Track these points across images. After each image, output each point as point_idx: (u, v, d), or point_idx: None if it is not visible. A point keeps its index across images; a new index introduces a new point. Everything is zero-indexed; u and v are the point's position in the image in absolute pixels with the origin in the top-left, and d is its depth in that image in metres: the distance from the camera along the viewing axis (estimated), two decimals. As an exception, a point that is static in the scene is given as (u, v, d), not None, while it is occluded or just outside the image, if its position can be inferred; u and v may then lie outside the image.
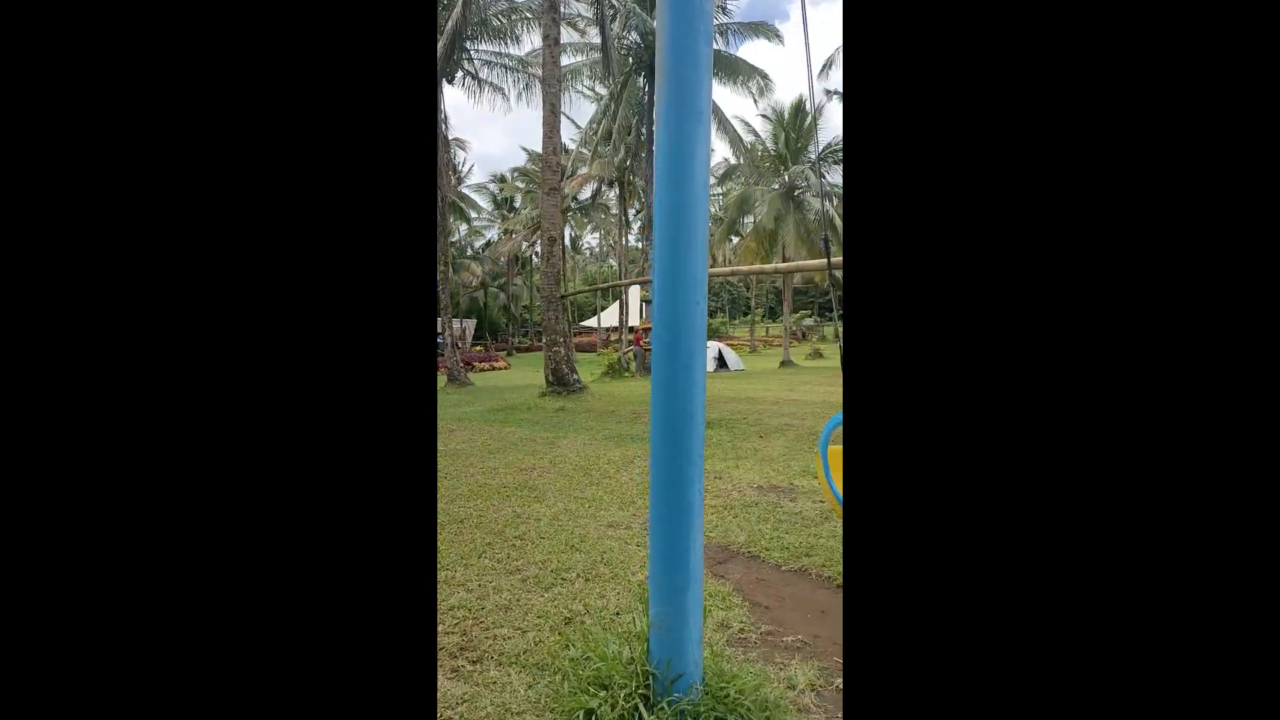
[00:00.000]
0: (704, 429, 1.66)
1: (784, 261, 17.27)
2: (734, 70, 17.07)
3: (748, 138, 20.53)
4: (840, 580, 2.80)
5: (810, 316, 35.80)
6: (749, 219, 20.31)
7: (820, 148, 18.74)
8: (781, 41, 17.73)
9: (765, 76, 17.24)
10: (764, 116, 19.45)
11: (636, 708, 1.56)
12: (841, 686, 1.96)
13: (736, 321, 41.14)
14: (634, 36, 15.52)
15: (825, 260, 2.45)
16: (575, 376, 9.57)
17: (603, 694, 1.60)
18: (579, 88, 17.74)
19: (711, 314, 40.86)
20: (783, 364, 18.04)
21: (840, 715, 1.82)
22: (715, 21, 16.60)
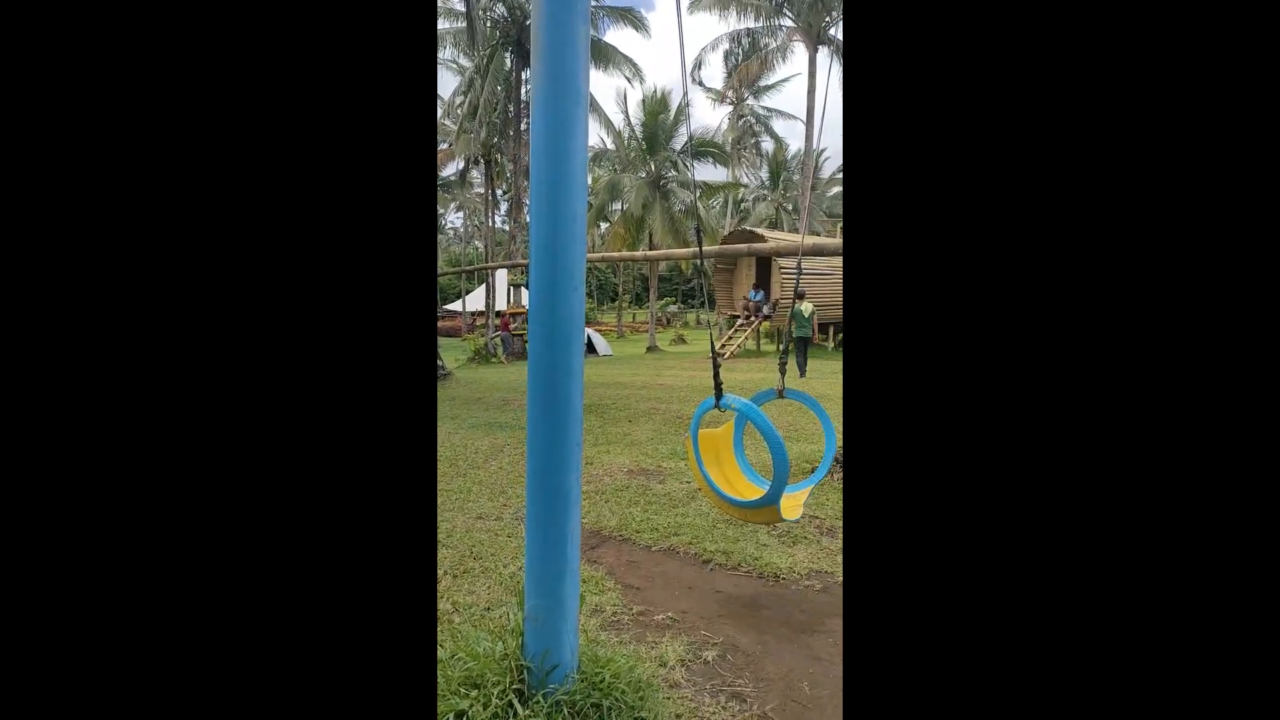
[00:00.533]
0: (582, 415, 1.65)
1: (651, 249, 17.68)
2: (605, 56, 17.03)
3: (618, 120, 20.66)
4: (705, 555, 2.94)
5: (675, 303, 37.05)
6: (617, 205, 20.51)
7: (687, 139, 19.31)
8: (648, 33, 17.92)
9: (635, 65, 17.40)
10: (619, 112, 19.63)
11: (510, 704, 1.53)
12: (709, 659, 2.06)
13: (605, 307, 41.50)
14: (501, 9, 14.91)
15: (695, 249, 2.53)
16: (439, 362, 9.12)
17: (474, 693, 1.54)
18: (440, 58, 16.73)
19: (580, 299, 40.81)
20: (649, 349, 18.51)
21: (707, 686, 1.92)
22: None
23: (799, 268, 2.86)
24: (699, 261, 2.56)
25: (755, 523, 2.70)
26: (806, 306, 9.91)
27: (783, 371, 2.72)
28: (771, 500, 2.25)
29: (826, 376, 10.01)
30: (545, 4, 1.42)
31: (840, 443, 2.89)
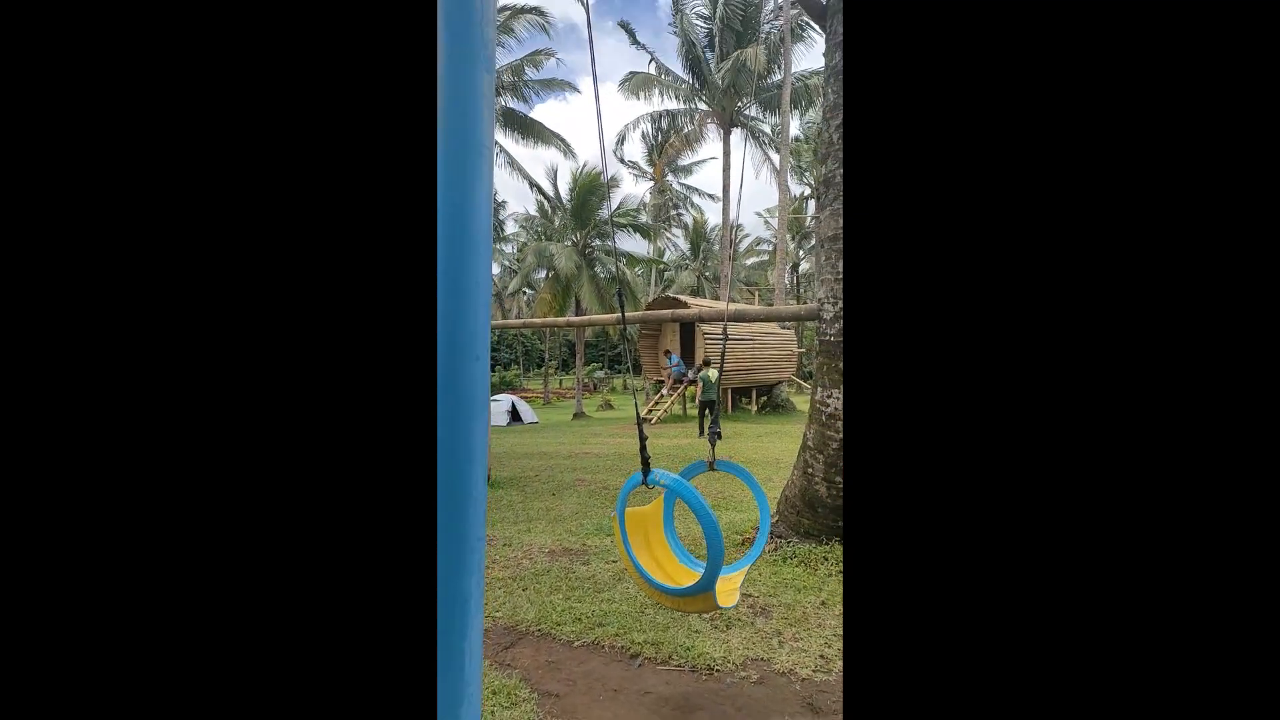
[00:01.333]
0: (485, 506, 1.43)
1: (578, 315, 17.66)
2: (534, 132, 17.47)
3: (549, 190, 20.99)
4: (632, 648, 2.68)
5: (601, 369, 37.02)
6: (542, 273, 20.56)
7: (611, 211, 19.83)
8: (578, 94, 18.72)
9: (564, 141, 17.94)
10: (539, 189, 20.08)
11: None
12: (637, 781, 1.80)
13: (531, 374, 40.90)
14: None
15: (619, 314, 2.42)
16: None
17: None
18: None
19: (505, 366, 40.09)
20: (576, 416, 18.18)
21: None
22: (512, 78, 16.92)
23: (724, 332, 2.80)
24: (623, 327, 2.44)
25: (690, 612, 2.49)
26: (712, 373, 10.48)
27: (713, 443, 2.59)
28: (706, 587, 2.06)
29: (750, 440, 10.06)
30: (446, 56, 1.31)
31: (773, 512, 2.76)
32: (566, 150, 18.03)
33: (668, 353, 15.94)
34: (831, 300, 3.84)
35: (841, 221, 3.78)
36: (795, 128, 21.51)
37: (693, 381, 14.29)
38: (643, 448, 2.22)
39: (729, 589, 2.34)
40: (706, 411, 10.94)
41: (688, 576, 2.47)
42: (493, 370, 36.07)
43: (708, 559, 2.00)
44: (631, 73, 19.09)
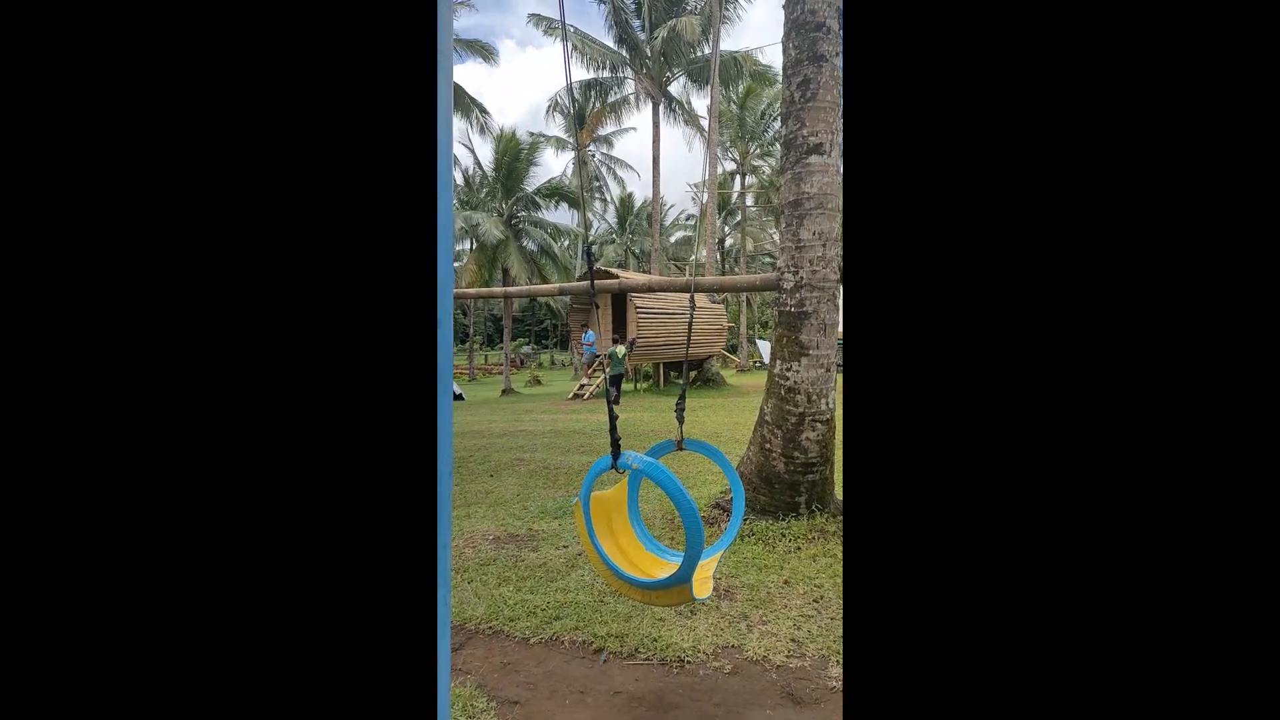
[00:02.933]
0: (450, 500, 1.15)
1: (508, 285, 16.98)
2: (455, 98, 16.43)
3: (467, 160, 19.93)
4: (595, 643, 2.48)
5: (528, 344, 36.23)
6: (467, 243, 19.62)
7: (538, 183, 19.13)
8: (497, 63, 17.75)
9: (484, 110, 17.01)
10: (466, 149, 19.00)
11: None
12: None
13: (455, 349, 39.52)
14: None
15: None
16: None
17: None
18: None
19: (426, 341, 38.32)
20: (504, 392, 17.64)
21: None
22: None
23: (691, 303, 2.59)
24: (591, 295, 2.17)
25: (661, 605, 2.30)
26: (619, 349, 12.12)
27: (680, 419, 2.39)
28: (683, 579, 1.87)
29: (698, 411, 10.04)
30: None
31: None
32: (482, 119, 17.13)
33: (585, 327, 15.57)
34: (791, 269, 3.71)
35: (802, 187, 3.64)
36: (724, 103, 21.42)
37: (604, 360, 14.16)
38: (613, 428, 1.99)
39: (702, 578, 2.17)
40: (614, 386, 12.24)
41: (657, 566, 2.28)
42: (413, 346, 34.45)
43: (686, 549, 1.80)
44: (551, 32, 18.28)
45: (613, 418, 2.02)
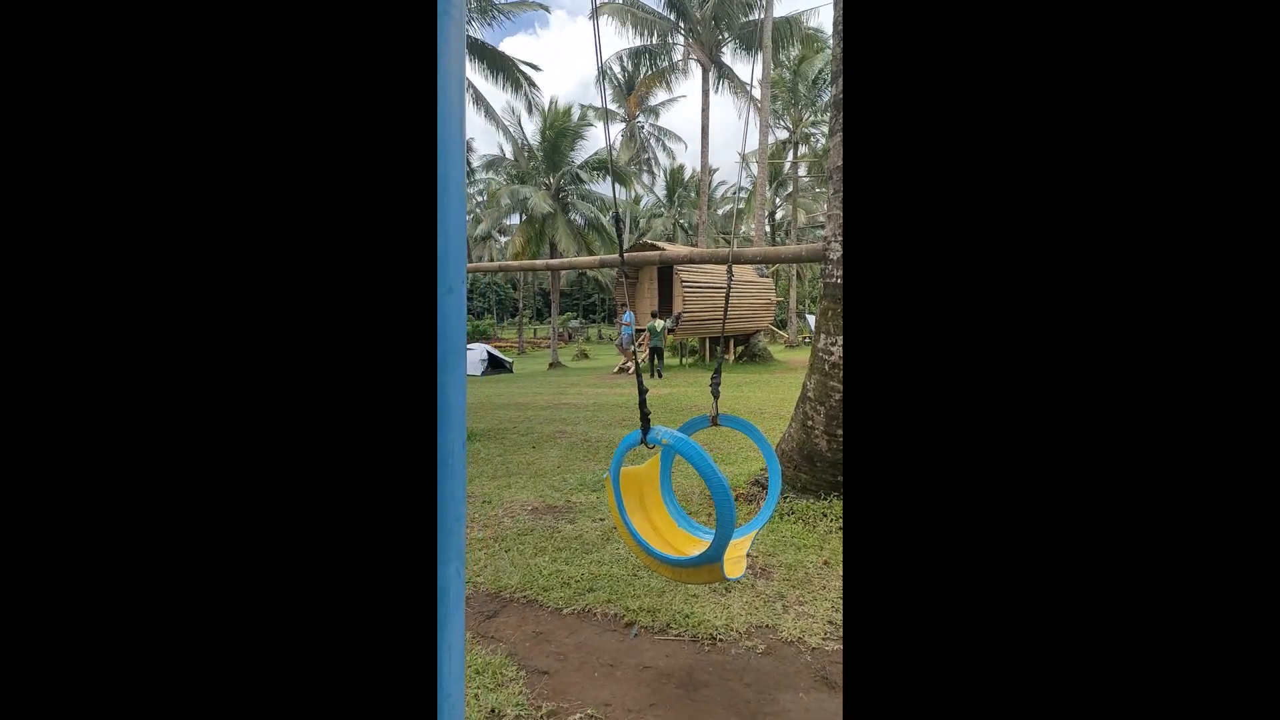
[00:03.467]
0: (464, 475, 1.13)
1: (553, 259, 17.06)
2: (501, 67, 16.40)
3: (515, 132, 19.95)
4: (627, 616, 2.47)
5: (576, 318, 36.49)
6: (514, 219, 19.72)
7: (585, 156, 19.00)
8: (548, 26, 17.64)
9: (533, 84, 16.92)
10: (505, 130, 18.97)
11: None
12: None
13: (505, 323, 40.15)
14: None
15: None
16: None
17: None
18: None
19: (479, 315, 39.21)
20: (551, 365, 17.86)
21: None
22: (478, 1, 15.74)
23: (729, 272, 2.49)
24: (621, 266, 2.11)
25: (693, 583, 2.26)
26: (659, 324, 12.82)
27: (715, 394, 2.32)
28: (714, 557, 1.82)
29: (729, 389, 9.91)
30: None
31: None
32: (530, 92, 17.01)
33: (624, 307, 15.47)
34: (838, 239, 3.53)
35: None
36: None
37: (672, 330, 14.10)
38: (643, 402, 1.94)
39: (735, 556, 2.11)
40: (655, 358, 13.12)
41: (689, 543, 2.23)
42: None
43: (717, 526, 1.75)
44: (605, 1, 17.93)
45: (642, 391, 1.97)
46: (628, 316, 14.37)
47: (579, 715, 1.86)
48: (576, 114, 19.42)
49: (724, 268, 14.95)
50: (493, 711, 1.86)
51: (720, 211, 33.10)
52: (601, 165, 19.12)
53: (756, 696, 1.98)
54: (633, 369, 13.95)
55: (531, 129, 19.23)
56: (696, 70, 18.42)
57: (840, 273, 3.54)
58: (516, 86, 16.91)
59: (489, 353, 16.06)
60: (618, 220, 1.92)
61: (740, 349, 16.09)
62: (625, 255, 2.25)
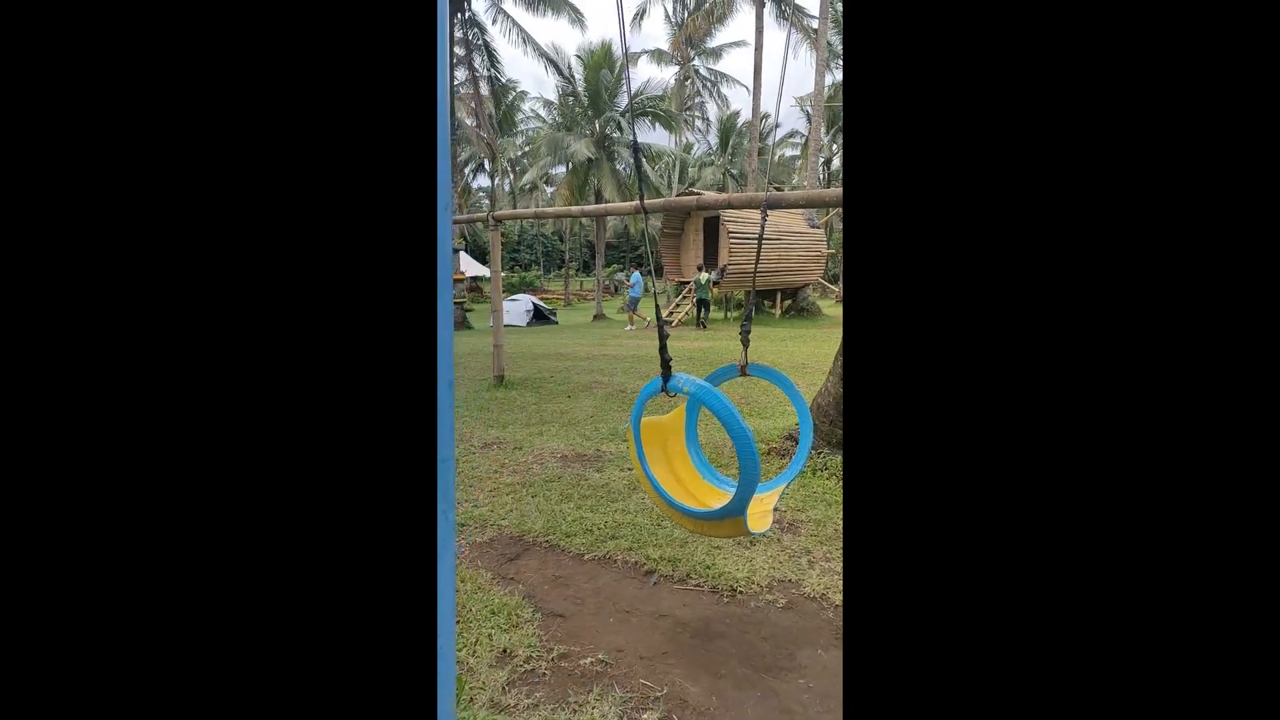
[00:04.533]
0: (453, 456, 1.07)
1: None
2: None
3: (552, 79, 19.48)
4: (647, 564, 2.45)
5: (622, 270, 36.29)
6: (561, 169, 19.44)
7: (631, 97, 18.39)
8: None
9: (578, 11, 16.29)
10: (577, 57, 18.46)
11: None
12: (650, 726, 1.57)
13: (551, 275, 40.33)
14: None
15: (637, 203, 1.96)
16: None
17: None
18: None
19: (525, 266, 39.46)
20: (596, 317, 17.88)
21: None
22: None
23: (763, 215, 2.33)
24: (643, 210, 1.99)
25: (715, 536, 2.21)
26: (703, 276, 13.21)
27: (745, 343, 2.21)
28: (736, 510, 1.74)
29: (773, 343, 9.69)
30: None
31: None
32: (577, 21, 16.37)
33: (636, 266, 15.30)
34: (886, 181, 3.29)
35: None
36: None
37: (717, 283, 13.86)
38: (663, 348, 1.85)
39: (761, 511, 2.04)
40: (701, 309, 13.56)
41: (714, 496, 2.17)
42: (512, 270, 35.53)
43: (740, 478, 1.67)
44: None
45: (663, 336, 1.88)
46: (634, 278, 14.19)
47: (590, 659, 1.85)
48: (619, 54, 18.74)
49: (774, 215, 14.37)
50: (504, 652, 1.88)
51: (777, 157, 31.81)
52: (647, 112, 18.52)
53: (773, 650, 1.93)
54: (675, 322, 13.82)
55: (579, 76, 18.62)
56: (749, 8, 17.40)
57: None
58: (559, 10, 16.24)
59: (534, 304, 16.16)
60: (636, 150, 1.79)
61: (787, 303, 15.68)
62: (648, 203, 2.13)
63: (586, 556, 2.55)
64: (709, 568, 2.43)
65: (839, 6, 20.16)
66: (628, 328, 13.66)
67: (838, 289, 22.32)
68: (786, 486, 2.28)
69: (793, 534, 2.76)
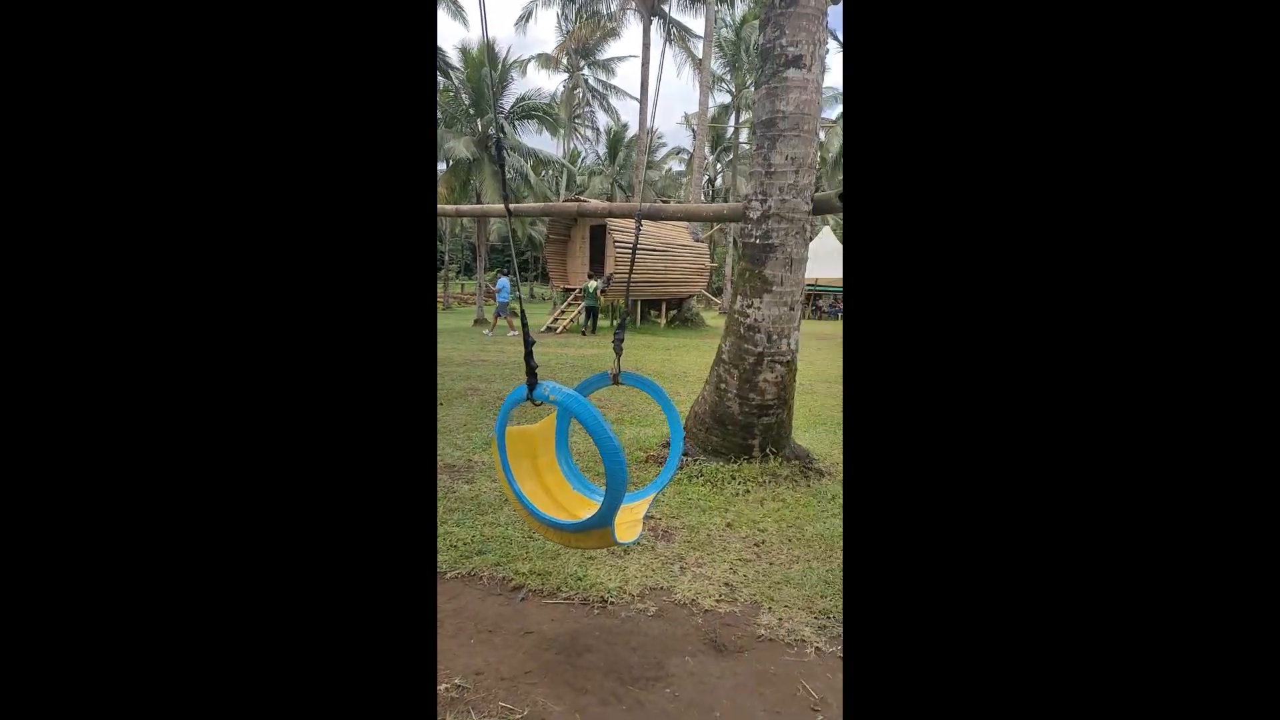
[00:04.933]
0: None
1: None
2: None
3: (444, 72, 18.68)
4: (515, 579, 2.34)
5: (506, 274, 35.45)
6: (439, 165, 18.63)
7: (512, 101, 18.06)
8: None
9: (456, 4, 15.72)
10: (457, 49, 17.82)
11: None
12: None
13: (430, 276, 38.41)
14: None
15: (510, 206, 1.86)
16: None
17: None
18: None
19: (402, 266, 37.18)
20: (476, 321, 17.25)
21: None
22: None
23: (637, 224, 2.32)
24: (507, 212, 1.89)
25: (584, 548, 2.14)
26: (592, 284, 13.48)
27: (618, 351, 2.17)
28: (602, 521, 1.69)
29: (658, 352, 9.86)
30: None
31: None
32: (457, 13, 15.82)
33: (502, 272, 15.26)
34: (759, 197, 3.42)
35: (777, 104, 3.30)
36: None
37: (604, 290, 13.91)
38: (528, 355, 1.76)
39: (630, 520, 2.00)
40: (590, 318, 13.64)
41: (584, 506, 2.10)
42: (388, 271, 33.32)
43: (607, 489, 1.62)
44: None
45: (528, 344, 1.79)
46: (501, 283, 14.06)
47: (445, 685, 1.71)
48: (502, 54, 18.35)
49: (660, 228, 14.62)
50: (347, 686, 1.69)
51: (659, 172, 32.64)
52: (529, 114, 18.25)
53: (641, 661, 1.90)
54: (560, 329, 13.69)
55: (449, 67, 17.94)
56: (638, 20, 17.77)
57: (759, 233, 3.44)
58: (441, 8, 15.61)
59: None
60: (500, 146, 1.69)
61: (673, 313, 16.07)
62: (528, 207, 2.02)
63: (449, 574, 2.39)
64: (580, 579, 2.36)
65: (724, 33, 21.12)
66: (485, 333, 13.32)
67: (720, 301, 23.26)
68: (657, 495, 2.27)
69: (666, 541, 2.76)
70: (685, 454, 3.73)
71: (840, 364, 9.62)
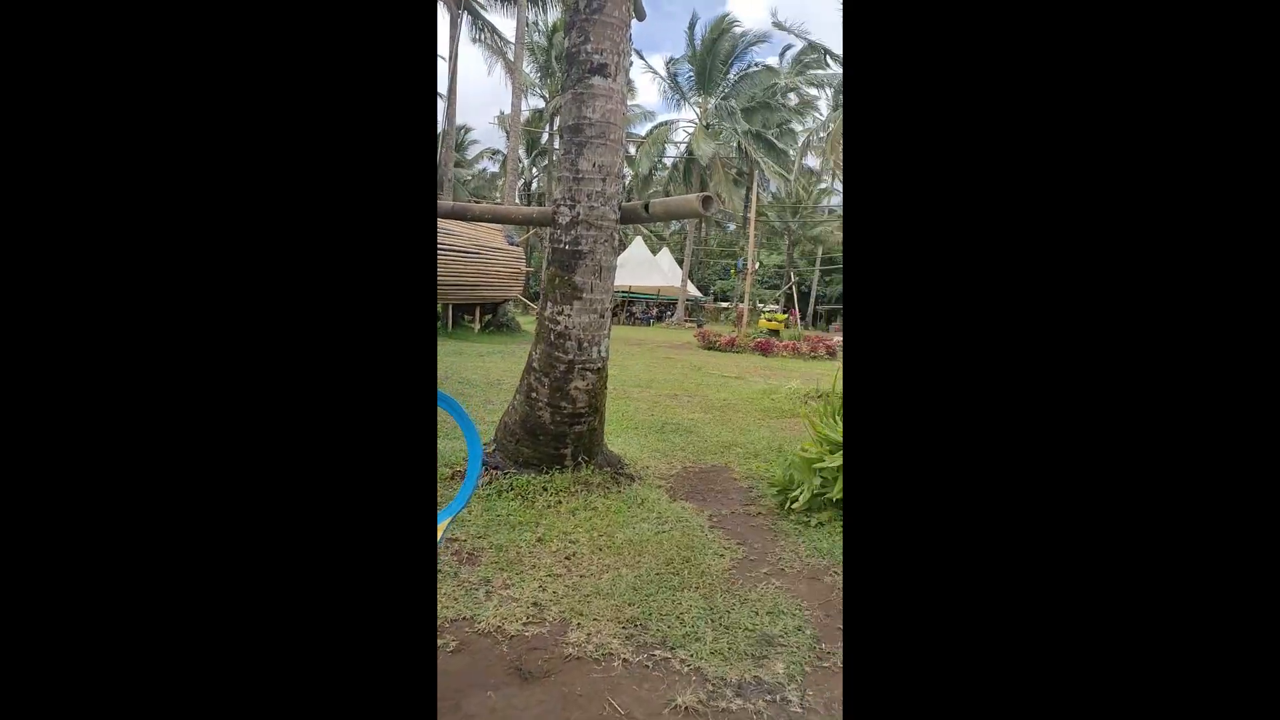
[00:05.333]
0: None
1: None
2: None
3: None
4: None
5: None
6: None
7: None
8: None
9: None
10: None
11: None
12: None
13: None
14: None
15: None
16: None
17: None
18: None
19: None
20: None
21: None
22: None
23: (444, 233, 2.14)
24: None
25: None
26: None
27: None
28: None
29: (471, 359, 9.44)
30: None
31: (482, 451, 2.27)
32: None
33: None
34: (568, 203, 3.38)
35: (584, 111, 3.30)
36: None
37: None
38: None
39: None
40: None
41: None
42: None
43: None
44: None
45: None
46: None
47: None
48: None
49: (473, 229, 14.05)
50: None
51: (471, 171, 31.49)
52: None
53: (438, 703, 1.72)
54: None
55: None
56: (444, 14, 16.98)
57: (568, 239, 3.40)
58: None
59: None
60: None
61: (487, 318, 15.54)
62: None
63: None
64: (369, 621, 2.09)
65: (535, 37, 21.02)
66: None
67: (536, 305, 23.06)
68: (450, 521, 2.10)
69: (471, 565, 2.59)
70: (494, 467, 3.55)
71: (651, 370, 10.01)
